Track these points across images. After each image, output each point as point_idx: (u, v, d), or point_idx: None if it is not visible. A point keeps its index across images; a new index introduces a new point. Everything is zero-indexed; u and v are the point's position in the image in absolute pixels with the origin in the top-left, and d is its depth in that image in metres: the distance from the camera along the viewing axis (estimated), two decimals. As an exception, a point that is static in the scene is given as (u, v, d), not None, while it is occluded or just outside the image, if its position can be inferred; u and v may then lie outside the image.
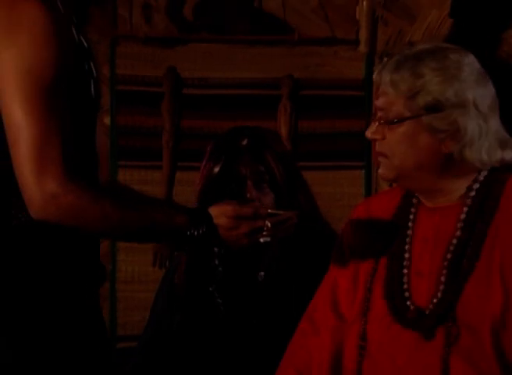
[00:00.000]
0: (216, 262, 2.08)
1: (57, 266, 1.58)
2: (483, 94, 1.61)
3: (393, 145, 1.63)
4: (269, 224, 1.62)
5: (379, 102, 1.65)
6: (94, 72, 1.65)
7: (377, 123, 1.65)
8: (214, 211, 1.64)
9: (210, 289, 2.14)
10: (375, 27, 3.22)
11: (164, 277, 2.32)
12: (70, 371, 1.58)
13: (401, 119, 1.61)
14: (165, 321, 2.23)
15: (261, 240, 1.63)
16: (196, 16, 3.20)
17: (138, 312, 2.47)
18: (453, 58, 1.61)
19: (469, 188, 1.63)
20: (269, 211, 1.64)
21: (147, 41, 3.15)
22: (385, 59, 1.66)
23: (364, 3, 3.22)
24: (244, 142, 2.14)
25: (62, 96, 1.52)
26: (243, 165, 2.13)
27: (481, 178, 1.63)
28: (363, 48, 3.22)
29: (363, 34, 3.22)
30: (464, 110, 1.58)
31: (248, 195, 2.11)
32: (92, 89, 1.62)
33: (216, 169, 2.14)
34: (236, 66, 3.21)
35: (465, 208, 1.62)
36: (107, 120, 3.15)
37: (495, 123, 1.61)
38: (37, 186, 1.49)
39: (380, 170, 1.69)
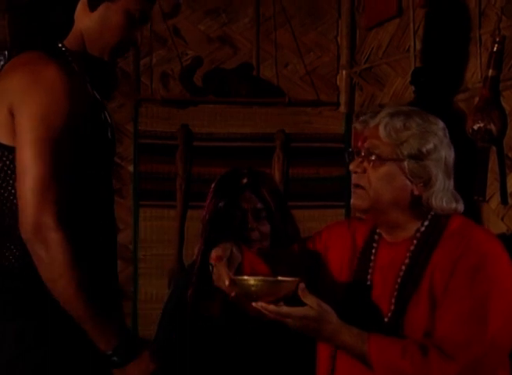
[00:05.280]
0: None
1: None
2: (450, 156, 1.74)
3: (373, 180, 1.71)
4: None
5: (367, 143, 1.72)
6: (109, 119, 1.75)
7: (360, 159, 1.73)
8: None
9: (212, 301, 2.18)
10: (353, 92, 3.44)
11: (169, 296, 2.42)
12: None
13: (386, 160, 1.70)
14: (171, 330, 2.29)
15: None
16: (204, 82, 3.37)
17: (155, 326, 2.44)
18: (433, 120, 1.74)
19: (421, 226, 1.74)
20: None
21: (164, 103, 3.34)
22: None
23: (344, 72, 3.45)
24: (245, 181, 2.24)
25: (68, 144, 1.60)
26: (244, 200, 2.22)
27: (430, 218, 1.74)
28: (342, 108, 3.45)
29: (342, 98, 3.45)
30: (437, 164, 1.71)
31: (249, 226, 2.21)
32: (109, 133, 1.73)
33: (221, 204, 2.22)
34: (238, 123, 3.38)
35: (415, 241, 1.73)
36: (130, 168, 3.32)
37: (452, 182, 1.76)
38: (32, 217, 1.56)
39: (353, 201, 1.75)
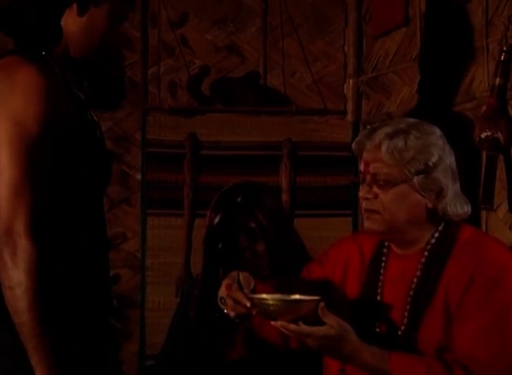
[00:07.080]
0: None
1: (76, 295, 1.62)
2: (453, 161, 1.74)
3: (386, 203, 1.69)
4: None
5: (372, 169, 1.70)
6: (96, 118, 1.75)
7: (368, 186, 1.71)
8: None
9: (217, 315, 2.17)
10: (360, 101, 3.45)
11: (177, 307, 2.47)
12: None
13: (396, 183, 1.68)
14: (178, 341, 2.32)
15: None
16: (212, 91, 3.39)
17: (163, 335, 2.47)
18: (429, 130, 1.72)
19: (431, 237, 1.73)
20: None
21: (172, 112, 3.36)
22: (362, 129, 1.87)
23: (351, 81, 3.46)
24: (239, 199, 2.23)
25: (45, 148, 1.56)
26: (237, 221, 2.21)
27: (440, 229, 1.73)
28: (350, 117, 3.45)
29: (349, 106, 3.46)
30: (445, 174, 1.70)
31: (240, 245, 2.21)
32: (97, 132, 1.72)
33: (216, 221, 2.23)
34: (245, 131, 3.40)
35: (426, 253, 1.72)
36: (138, 176, 3.35)
37: (458, 184, 1.75)
38: (4, 222, 1.52)
39: (368, 225, 1.72)
